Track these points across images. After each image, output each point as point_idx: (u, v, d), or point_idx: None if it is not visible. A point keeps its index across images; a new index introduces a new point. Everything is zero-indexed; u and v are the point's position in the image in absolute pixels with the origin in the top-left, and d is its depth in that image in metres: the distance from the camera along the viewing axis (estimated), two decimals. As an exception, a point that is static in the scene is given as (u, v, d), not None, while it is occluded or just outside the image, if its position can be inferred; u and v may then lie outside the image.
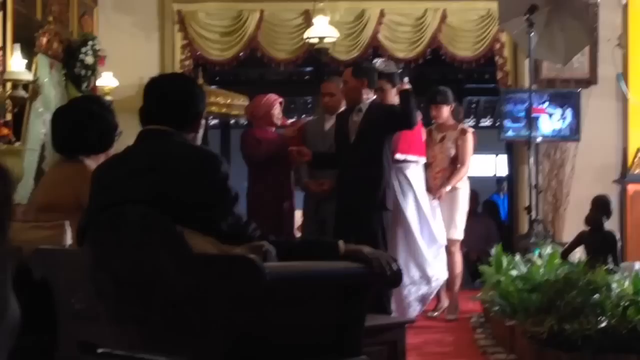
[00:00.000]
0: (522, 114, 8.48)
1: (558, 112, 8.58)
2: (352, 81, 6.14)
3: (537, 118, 8.30)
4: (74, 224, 3.09)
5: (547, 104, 8.52)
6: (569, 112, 8.58)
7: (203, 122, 2.98)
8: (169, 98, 2.89)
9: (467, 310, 7.01)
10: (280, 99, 7.12)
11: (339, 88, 6.71)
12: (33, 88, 6.81)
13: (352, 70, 6.28)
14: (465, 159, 7.14)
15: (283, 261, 2.60)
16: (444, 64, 9.82)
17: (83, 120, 3.70)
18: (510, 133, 8.66)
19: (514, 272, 5.74)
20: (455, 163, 7.14)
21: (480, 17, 9.04)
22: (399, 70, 6.54)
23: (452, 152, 7.12)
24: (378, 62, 6.57)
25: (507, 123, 8.62)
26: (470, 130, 7.26)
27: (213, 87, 9.54)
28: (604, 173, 8.58)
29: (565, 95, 8.62)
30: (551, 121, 8.58)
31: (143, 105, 2.93)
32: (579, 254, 5.85)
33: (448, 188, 6.96)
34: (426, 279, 6.57)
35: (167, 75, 3.34)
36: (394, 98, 6.41)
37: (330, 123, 6.71)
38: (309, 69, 11.02)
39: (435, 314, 7.04)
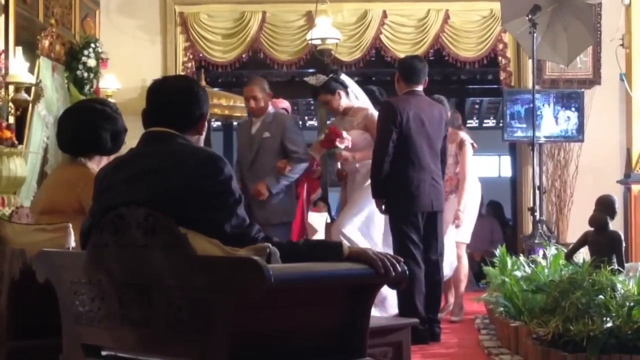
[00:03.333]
0: (515, 114, 8.49)
1: (561, 112, 8.58)
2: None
3: (540, 119, 8.31)
4: (76, 227, 3.09)
5: (552, 105, 8.51)
6: (572, 113, 8.58)
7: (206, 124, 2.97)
8: (172, 100, 2.88)
9: (472, 312, 7.00)
10: (285, 105, 7.09)
11: (263, 90, 6.57)
12: (35, 91, 6.81)
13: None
14: (465, 174, 7.03)
15: (287, 263, 2.59)
16: (446, 64, 9.84)
17: (98, 119, 3.72)
18: (513, 134, 8.65)
19: (518, 273, 5.73)
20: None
21: (483, 18, 9.05)
22: (331, 74, 6.50)
23: (451, 160, 6.99)
24: (310, 79, 6.59)
25: (511, 124, 8.61)
26: (468, 141, 7.14)
27: (215, 89, 9.55)
28: (607, 173, 8.58)
29: (569, 95, 8.62)
30: (555, 122, 8.57)
31: (146, 107, 2.92)
32: (583, 255, 5.84)
33: (462, 209, 6.85)
34: None
35: (170, 78, 3.33)
36: (340, 103, 6.45)
37: (256, 126, 6.57)
38: (311, 70, 10.98)
39: (440, 315, 7.01)
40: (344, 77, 6.55)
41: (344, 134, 6.26)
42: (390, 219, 5.92)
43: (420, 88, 6.03)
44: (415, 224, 5.83)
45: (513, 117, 8.61)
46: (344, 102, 6.44)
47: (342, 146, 6.24)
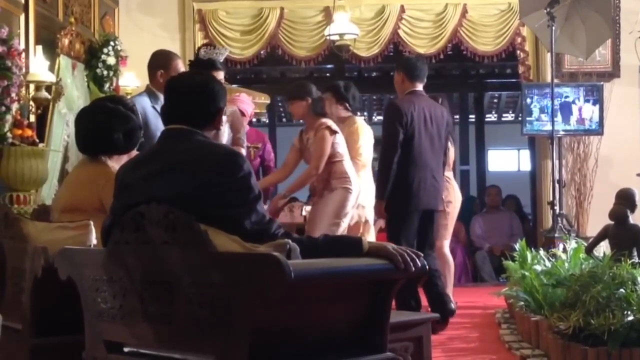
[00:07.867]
0: (545, 108, 8.46)
1: (582, 105, 8.55)
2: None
3: (560, 112, 8.28)
4: (97, 225, 3.10)
5: (582, 99, 8.50)
6: (592, 106, 8.54)
7: (225, 118, 2.97)
8: (188, 97, 2.88)
9: (492, 306, 6.97)
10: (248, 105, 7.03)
11: None
12: (56, 89, 6.84)
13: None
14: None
15: (307, 259, 2.60)
16: (465, 59, 9.82)
17: (109, 120, 3.72)
18: (532, 128, 8.62)
19: (538, 267, 5.72)
20: None
21: (501, 12, 9.01)
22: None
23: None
24: (211, 50, 6.37)
25: (530, 117, 8.58)
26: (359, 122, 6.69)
27: (234, 85, 9.56)
28: (627, 166, 8.52)
29: (588, 88, 8.58)
30: (574, 115, 8.54)
31: (164, 104, 2.94)
32: (603, 248, 5.82)
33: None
34: None
35: (185, 74, 3.32)
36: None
37: None
38: (329, 66, 11.01)
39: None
40: None
41: None
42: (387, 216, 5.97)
43: (421, 87, 6.12)
44: (412, 222, 5.92)
45: (543, 110, 8.55)
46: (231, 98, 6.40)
47: None
